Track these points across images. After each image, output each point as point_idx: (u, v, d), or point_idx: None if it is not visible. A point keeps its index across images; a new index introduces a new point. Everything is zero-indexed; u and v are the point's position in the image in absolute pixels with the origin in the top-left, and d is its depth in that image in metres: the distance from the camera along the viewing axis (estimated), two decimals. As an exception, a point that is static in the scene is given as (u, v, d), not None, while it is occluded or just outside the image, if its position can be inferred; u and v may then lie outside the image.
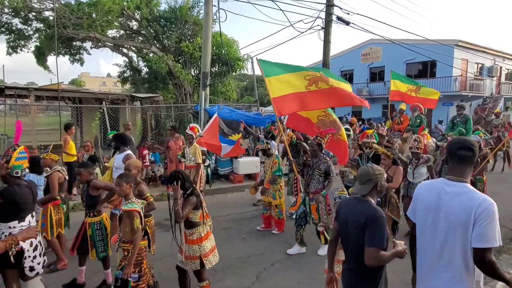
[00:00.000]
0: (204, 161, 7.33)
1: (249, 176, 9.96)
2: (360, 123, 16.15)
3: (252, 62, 13.84)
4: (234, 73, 16.68)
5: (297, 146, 6.66)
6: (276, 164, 5.98)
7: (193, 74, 15.39)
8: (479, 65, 24.68)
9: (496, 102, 23.67)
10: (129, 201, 3.42)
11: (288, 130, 7.39)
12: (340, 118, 23.18)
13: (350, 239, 2.53)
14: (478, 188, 6.15)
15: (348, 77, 29.25)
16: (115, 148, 5.73)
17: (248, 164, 9.82)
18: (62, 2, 13.59)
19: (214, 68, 15.26)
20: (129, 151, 5.29)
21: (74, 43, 14.86)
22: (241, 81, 43.34)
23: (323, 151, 5.30)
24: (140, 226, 3.34)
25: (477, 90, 23.28)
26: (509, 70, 26.78)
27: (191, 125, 7.26)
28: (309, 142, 6.05)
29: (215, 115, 7.77)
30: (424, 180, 5.50)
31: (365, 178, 2.55)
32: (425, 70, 24.57)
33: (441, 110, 20.28)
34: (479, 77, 24.07)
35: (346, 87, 5.96)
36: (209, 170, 8.72)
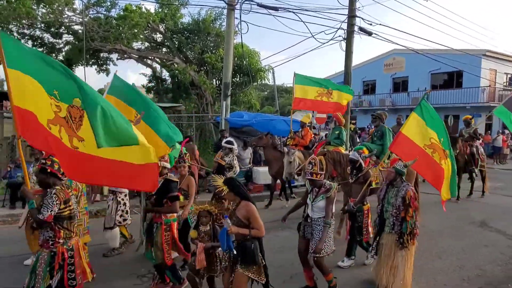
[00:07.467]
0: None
1: (268, 186, 9.89)
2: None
3: (273, 73, 13.96)
4: (255, 84, 16.85)
5: None
6: None
7: (214, 84, 15.65)
8: (509, 76, 23.83)
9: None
10: None
11: None
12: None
13: None
14: (357, 220, 5.09)
15: (371, 87, 28.89)
16: None
17: (267, 174, 9.78)
18: (91, 16, 14.22)
19: (235, 79, 15.47)
20: None
21: (102, 54, 15.47)
22: (262, 91, 43.61)
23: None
24: None
25: (507, 101, 22.48)
26: (541, 81, 25.73)
27: None
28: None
29: None
30: (322, 216, 4.06)
31: None
32: (451, 81, 23.96)
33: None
34: (509, 88, 23.21)
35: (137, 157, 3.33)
36: None
